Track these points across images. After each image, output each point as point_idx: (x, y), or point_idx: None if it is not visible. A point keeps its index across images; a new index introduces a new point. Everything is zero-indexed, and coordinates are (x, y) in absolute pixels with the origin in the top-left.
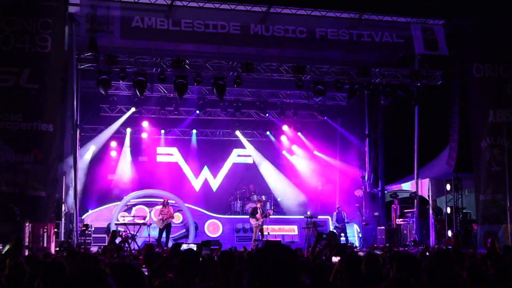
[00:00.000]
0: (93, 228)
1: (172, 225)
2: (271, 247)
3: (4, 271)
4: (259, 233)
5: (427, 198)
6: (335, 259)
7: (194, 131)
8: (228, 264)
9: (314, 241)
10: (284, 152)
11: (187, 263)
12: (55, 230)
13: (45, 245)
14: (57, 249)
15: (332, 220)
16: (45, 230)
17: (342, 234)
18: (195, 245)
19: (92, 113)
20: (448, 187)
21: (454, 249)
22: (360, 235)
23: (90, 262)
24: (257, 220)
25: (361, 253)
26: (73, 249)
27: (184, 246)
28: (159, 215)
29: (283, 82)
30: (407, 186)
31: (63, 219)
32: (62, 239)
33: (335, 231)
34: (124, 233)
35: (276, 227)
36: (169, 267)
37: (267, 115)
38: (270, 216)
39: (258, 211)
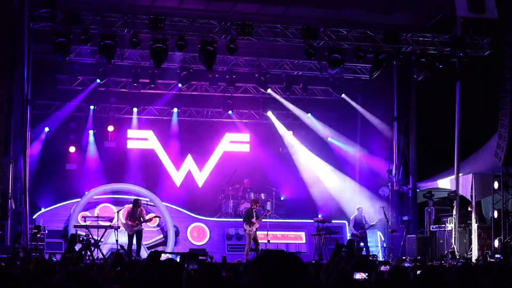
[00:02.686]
0: (46, 231)
1: (146, 229)
2: (272, 255)
3: None
4: (254, 242)
5: (470, 199)
6: (360, 275)
7: (175, 109)
8: (216, 281)
9: (332, 254)
10: (289, 138)
11: (167, 277)
12: (0, 232)
13: None
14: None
15: (349, 225)
16: None
17: (362, 244)
18: (178, 256)
19: (47, 85)
20: (495, 185)
21: (501, 262)
22: (385, 245)
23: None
24: (252, 225)
25: (384, 268)
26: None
27: (164, 257)
28: (127, 219)
29: (289, 49)
30: (445, 183)
31: (9, 218)
32: (8, 243)
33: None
34: (85, 238)
35: (279, 233)
36: (145, 282)
37: (268, 90)
38: (272, 220)
39: (254, 213)
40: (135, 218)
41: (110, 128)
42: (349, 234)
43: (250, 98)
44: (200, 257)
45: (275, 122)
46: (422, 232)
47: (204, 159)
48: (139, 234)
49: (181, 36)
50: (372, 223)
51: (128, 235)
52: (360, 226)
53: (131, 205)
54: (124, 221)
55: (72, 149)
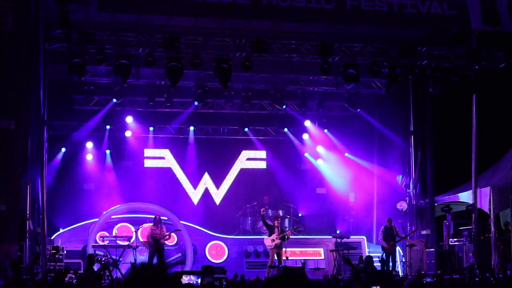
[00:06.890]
0: (65, 252)
1: (165, 248)
2: (285, 279)
3: None
4: (276, 258)
5: (488, 212)
6: None
7: (192, 128)
8: None
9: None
10: (306, 155)
11: None
12: (19, 253)
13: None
14: None
15: (379, 237)
16: (6, 253)
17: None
18: (199, 277)
19: (63, 106)
20: None
21: None
22: (404, 260)
23: None
24: (273, 241)
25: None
26: None
27: (185, 279)
28: (149, 236)
29: (304, 65)
30: (463, 197)
31: (27, 239)
32: (27, 264)
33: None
34: (104, 258)
35: (297, 250)
36: None
37: (284, 107)
38: (290, 236)
39: (275, 230)
40: (157, 234)
41: (128, 133)
42: (368, 251)
43: (266, 115)
44: (217, 275)
45: (292, 138)
46: (441, 246)
47: (221, 177)
48: (161, 251)
49: (196, 54)
50: (405, 235)
51: (150, 252)
52: (391, 238)
53: (150, 224)
54: (146, 239)
55: (89, 169)
